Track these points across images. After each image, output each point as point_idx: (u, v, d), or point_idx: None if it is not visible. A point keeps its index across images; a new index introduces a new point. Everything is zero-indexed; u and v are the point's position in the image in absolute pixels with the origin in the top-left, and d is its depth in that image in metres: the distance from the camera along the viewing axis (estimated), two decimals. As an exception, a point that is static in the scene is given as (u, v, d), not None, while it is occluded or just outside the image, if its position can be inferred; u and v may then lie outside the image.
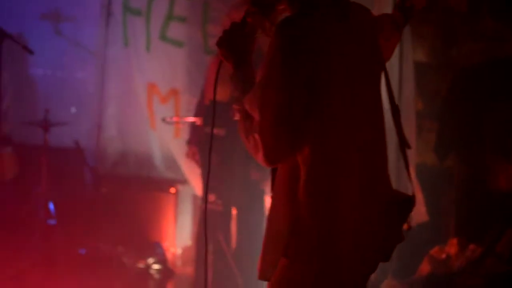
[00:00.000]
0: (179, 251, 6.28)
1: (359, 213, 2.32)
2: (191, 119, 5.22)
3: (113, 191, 6.26)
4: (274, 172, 2.45)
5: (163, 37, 6.13)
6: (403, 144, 2.55)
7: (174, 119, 5.47)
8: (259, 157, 2.33)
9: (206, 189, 2.92)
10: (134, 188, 6.25)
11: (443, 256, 5.38)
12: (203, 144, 5.08)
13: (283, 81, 2.26)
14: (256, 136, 2.31)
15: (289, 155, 2.30)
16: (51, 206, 6.09)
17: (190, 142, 5.47)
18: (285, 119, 2.26)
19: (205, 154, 4.92)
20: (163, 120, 5.57)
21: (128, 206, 6.12)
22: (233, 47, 2.55)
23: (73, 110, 6.64)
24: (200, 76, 5.94)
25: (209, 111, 4.89)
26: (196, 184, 6.07)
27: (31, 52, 5.50)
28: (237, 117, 2.49)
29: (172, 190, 6.13)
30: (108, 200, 6.22)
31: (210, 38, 5.98)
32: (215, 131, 4.82)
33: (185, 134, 6.02)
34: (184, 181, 6.16)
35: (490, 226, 5.49)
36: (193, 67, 6.07)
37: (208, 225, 5.00)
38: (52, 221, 6.08)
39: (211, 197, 4.92)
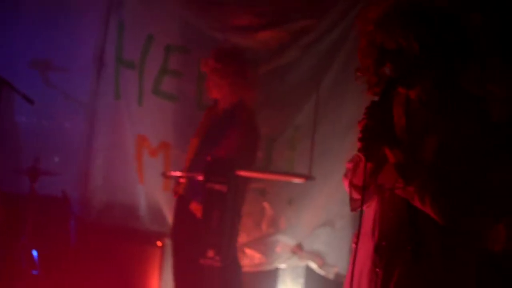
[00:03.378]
0: (162, 305, 6.22)
1: None
2: (192, 174, 5.18)
3: (99, 242, 6.20)
4: None
5: (156, 91, 6.09)
6: None
7: (173, 173, 5.41)
8: None
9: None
10: (120, 240, 6.19)
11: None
12: (204, 200, 5.03)
13: None
14: None
15: None
16: (35, 255, 6.02)
17: (191, 198, 5.23)
18: None
19: (206, 210, 4.95)
20: (163, 175, 5.53)
21: (114, 257, 6.06)
22: (379, 132, 2.22)
23: (56, 159, 6.58)
24: (192, 130, 5.95)
25: (211, 167, 4.92)
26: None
27: (31, 101, 5.40)
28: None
29: (159, 243, 6.10)
30: (93, 251, 6.16)
31: (205, 93, 5.95)
32: (217, 187, 4.86)
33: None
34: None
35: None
36: (185, 121, 5.99)
37: (205, 280, 5.04)
38: (35, 271, 6.02)
39: (210, 253, 4.93)
